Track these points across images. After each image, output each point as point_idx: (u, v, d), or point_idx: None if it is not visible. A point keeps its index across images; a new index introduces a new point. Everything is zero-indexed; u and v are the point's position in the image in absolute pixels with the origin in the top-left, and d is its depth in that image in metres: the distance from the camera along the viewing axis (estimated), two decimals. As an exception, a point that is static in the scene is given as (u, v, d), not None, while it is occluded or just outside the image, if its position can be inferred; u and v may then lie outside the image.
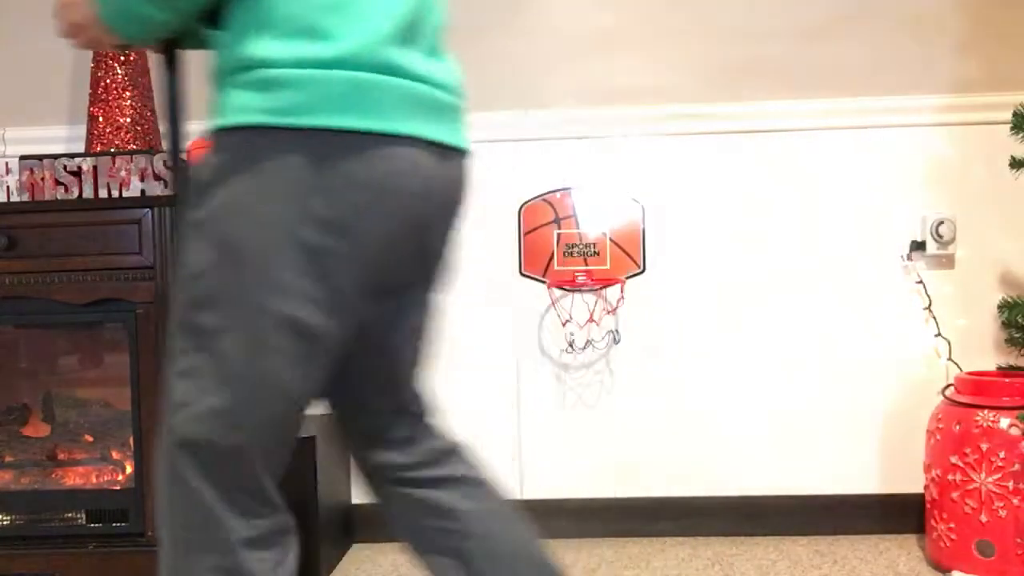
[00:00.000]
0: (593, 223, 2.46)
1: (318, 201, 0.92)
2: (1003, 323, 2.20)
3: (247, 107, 0.92)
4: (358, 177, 0.93)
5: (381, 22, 0.94)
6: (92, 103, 2.25)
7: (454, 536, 1.16)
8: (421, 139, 0.97)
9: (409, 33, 0.97)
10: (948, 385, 2.22)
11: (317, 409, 2.68)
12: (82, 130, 2.33)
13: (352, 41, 0.92)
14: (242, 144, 0.93)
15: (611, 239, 2.45)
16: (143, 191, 2.06)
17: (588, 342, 2.46)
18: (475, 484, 1.20)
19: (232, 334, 0.93)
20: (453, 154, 1.05)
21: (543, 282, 2.46)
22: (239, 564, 0.96)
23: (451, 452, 1.23)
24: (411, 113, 0.96)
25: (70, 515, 2.05)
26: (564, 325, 2.45)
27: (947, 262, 2.40)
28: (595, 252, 2.45)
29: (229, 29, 0.96)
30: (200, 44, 1.09)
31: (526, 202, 2.47)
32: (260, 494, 0.99)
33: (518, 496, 2.47)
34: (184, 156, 1.15)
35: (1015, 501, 1.97)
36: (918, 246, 2.39)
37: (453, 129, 1.05)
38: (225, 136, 0.94)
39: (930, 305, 2.38)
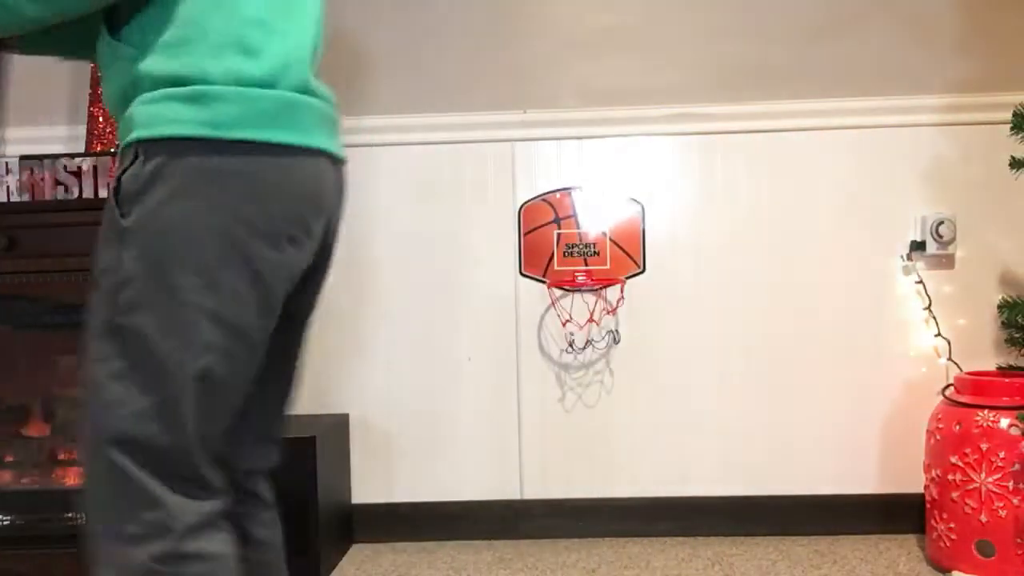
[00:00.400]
0: (593, 223, 2.46)
1: (252, 209, 0.98)
2: (1003, 323, 2.20)
3: (180, 119, 0.95)
4: (284, 186, 1.01)
5: (299, 42, 1.04)
6: (92, 103, 2.25)
7: (242, 562, 1.16)
8: (326, 152, 1.07)
9: (314, 55, 1.09)
10: (948, 385, 2.22)
11: (318, 410, 2.68)
12: (82, 130, 2.33)
13: (278, 60, 1.00)
14: (177, 155, 0.95)
15: (611, 239, 2.45)
16: (143, 191, 2.06)
17: (588, 342, 2.46)
18: (267, 507, 1.24)
19: (168, 336, 0.96)
20: (340, 164, 1.15)
21: (543, 282, 2.46)
22: (184, 551, 0.97)
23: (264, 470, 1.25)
24: (320, 129, 1.06)
25: (70, 515, 2.05)
26: (564, 325, 2.45)
27: (947, 262, 2.40)
28: (595, 252, 2.45)
29: (141, 39, 0.98)
30: (59, 49, 1.09)
31: (526, 202, 2.47)
32: (200, 480, 1.01)
33: (518, 496, 2.47)
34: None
35: (1015, 501, 1.97)
36: (918, 246, 2.39)
37: (338, 141, 1.14)
38: (156, 147, 0.96)
39: (930, 305, 2.38)
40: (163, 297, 0.96)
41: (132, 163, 0.96)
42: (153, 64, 0.96)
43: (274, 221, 1.01)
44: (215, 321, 0.98)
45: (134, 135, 0.97)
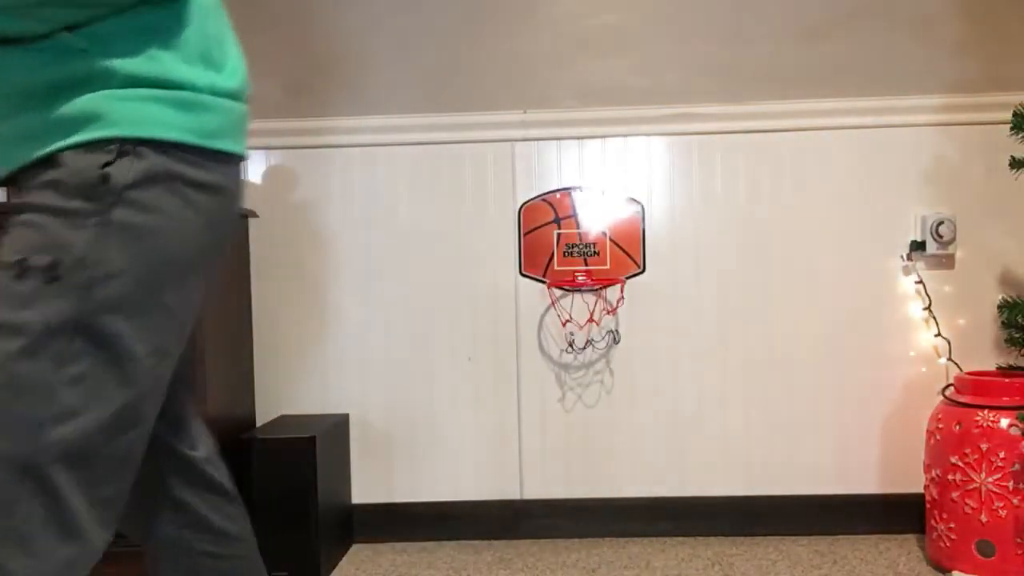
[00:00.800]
0: (593, 223, 2.46)
1: (221, 217, 1.03)
2: (1003, 323, 2.20)
3: (173, 124, 0.96)
4: (237, 197, 1.07)
5: (240, 59, 1.08)
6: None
7: (217, 560, 1.17)
8: None
9: None
10: (948, 385, 2.22)
11: (318, 410, 2.67)
12: (82, 130, 2.33)
13: (238, 74, 1.05)
14: (171, 158, 0.96)
15: (611, 239, 2.45)
16: (143, 191, 2.06)
17: (588, 342, 2.46)
18: (231, 499, 1.22)
19: (145, 340, 0.94)
20: None
21: (543, 282, 2.46)
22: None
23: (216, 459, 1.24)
24: None
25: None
26: (564, 325, 2.45)
27: (947, 262, 2.40)
28: (595, 252, 2.45)
29: (94, 34, 0.94)
30: None
31: (526, 202, 2.47)
32: (117, 506, 0.96)
33: (518, 496, 2.47)
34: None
35: (1015, 501, 1.97)
36: (918, 246, 2.39)
37: None
38: (149, 147, 0.95)
39: (930, 305, 2.38)
40: (149, 299, 0.95)
41: (118, 157, 0.93)
42: (127, 63, 0.95)
43: (227, 229, 1.06)
44: (180, 327, 1.00)
45: (117, 131, 0.93)
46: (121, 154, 0.93)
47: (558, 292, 2.46)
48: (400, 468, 2.49)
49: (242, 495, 1.84)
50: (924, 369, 2.40)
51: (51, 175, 0.92)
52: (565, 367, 2.48)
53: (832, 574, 2.13)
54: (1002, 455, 1.98)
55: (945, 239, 2.36)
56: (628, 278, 2.45)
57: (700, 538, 2.43)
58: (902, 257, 2.41)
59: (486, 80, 2.41)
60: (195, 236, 0.99)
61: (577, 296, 2.46)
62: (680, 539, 2.43)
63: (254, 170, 2.51)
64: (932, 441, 2.14)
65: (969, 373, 2.23)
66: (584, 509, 2.46)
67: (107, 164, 0.93)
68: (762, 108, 2.43)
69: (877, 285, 2.42)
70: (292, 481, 2.15)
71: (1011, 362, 2.25)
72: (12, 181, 0.99)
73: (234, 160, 1.04)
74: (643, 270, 2.46)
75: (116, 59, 0.94)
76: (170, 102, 0.96)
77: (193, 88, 0.98)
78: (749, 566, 2.21)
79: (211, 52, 1.01)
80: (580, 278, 2.44)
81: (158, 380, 0.98)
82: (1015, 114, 2.06)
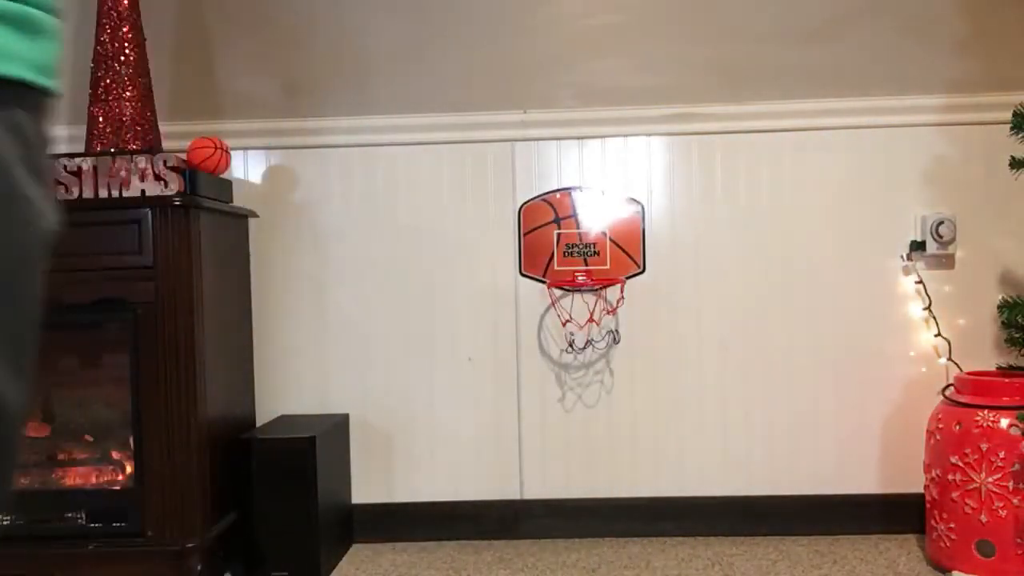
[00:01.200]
0: (593, 223, 2.46)
1: (51, 183, 0.72)
2: (1003, 323, 2.20)
3: (13, 55, 0.64)
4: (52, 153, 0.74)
5: None
6: (92, 103, 2.24)
7: None
8: None
9: None
10: (948, 385, 2.22)
11: (318, 410, 2.67)
12: (82, 130, 2.33)
13: None
14: (15, 107, 0.66)
15: (611, 239, 2.45)
16: (143, 191, 2.06)
17: (588, 342, 2.46)
18: None
19: (16, 371, 0.66)
20: None
21: (543, 282, 2.46)
22: None
23: None
24: None
25: (70, 515, 2.05)
26: (564, 325, 2.45)
27: (947, 262, 2.40)
28: (595, 252, 2.45)
29: None
30: None
31: (526, 202, 2.47)
32: None
33: (518, 496, 2.47)
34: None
35: (1015, 501, 1.97)
36: (918, 246, 2.39)
37: None
38: None
39: (930, 305, 2.38)
40: (11, 317, 0.67)
41: None
42: None
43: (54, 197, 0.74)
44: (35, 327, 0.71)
45: None
46: None
47: (558, 292, 2.46)
48: (400, 468, 2.49)
49: (242, 495, 1.87)
50: (924, 369, 2.40)
51: None
52: (565, 367, 2.48)
53: (832, 574, 2.13)
54: (1002, 455, 1.98)
55: (945, 239, 2.36)
56: (628, 278, 2.45)
57: (700, 538, 2.43)
58: (902, 257, 2.41)
59: (486, 80, 2.41)
60: (41, 216, 0.69)
61: (577, 296, 2.46)
62: (680, 539, 2.43)
63: (254, 170, 2.51)
64: (932, 441, 2.14)
65: (969, 373, 2.23)
66: (584, 509, 2.46)
67: None
68: (762, 108, 2.43)
69: (877, 285, 2.42)
70: (292, 481, 2.15)
71: (1011, 362, 2.25)
72: None
73: (53, 104, 0.71)
74: (643, 270, 2.46)
75: None
76: (10, 20, 0.65)
77: (35, 4, 0.66)
78: (749, 566, 2.20)
79: None
80: (580, 278, 2.43)
81: (25, 420, 0.69)
82: (1015, 114, 2.06)
